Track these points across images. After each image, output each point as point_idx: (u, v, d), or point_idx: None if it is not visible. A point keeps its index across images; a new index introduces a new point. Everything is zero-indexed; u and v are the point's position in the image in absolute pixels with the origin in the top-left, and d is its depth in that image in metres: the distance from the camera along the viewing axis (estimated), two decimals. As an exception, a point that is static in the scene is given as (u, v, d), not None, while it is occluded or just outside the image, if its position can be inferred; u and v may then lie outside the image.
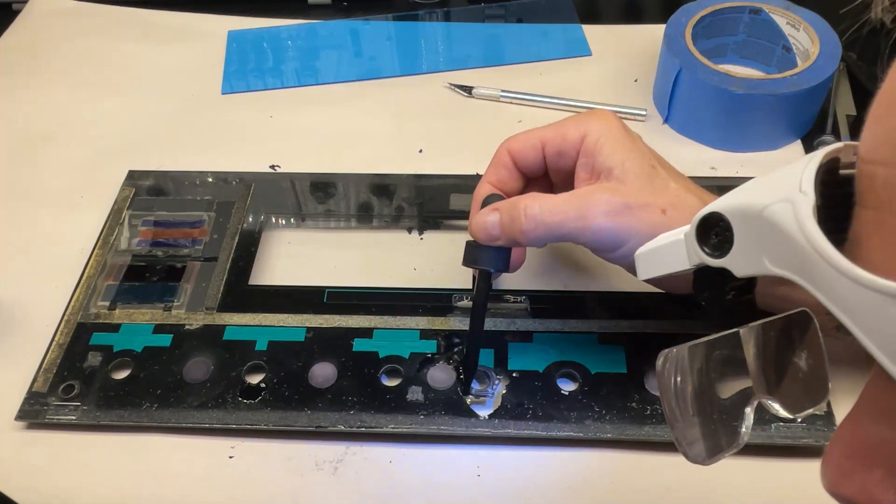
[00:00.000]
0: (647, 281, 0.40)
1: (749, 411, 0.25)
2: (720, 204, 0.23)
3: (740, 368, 0.25)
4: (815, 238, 0.19)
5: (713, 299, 0.24)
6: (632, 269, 0.40)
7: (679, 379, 0.24)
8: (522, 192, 0.42)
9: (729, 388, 0.25)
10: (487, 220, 0.39)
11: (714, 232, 0.23)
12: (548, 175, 0.42)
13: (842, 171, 0.21)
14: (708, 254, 0.23)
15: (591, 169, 0.39)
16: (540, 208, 0.37)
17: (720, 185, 0.51)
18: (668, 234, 0.27)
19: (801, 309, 0.19)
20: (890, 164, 0.17)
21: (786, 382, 0.24)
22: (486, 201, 0.40)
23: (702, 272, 0.25)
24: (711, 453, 0.24)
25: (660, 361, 0.24)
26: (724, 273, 0.23)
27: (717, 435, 0.25)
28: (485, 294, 0.40)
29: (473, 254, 0.40)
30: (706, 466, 0.24)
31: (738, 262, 0.22)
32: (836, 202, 0.20)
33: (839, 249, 0.19)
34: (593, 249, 0.39)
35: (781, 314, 0.23)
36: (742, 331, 0.24)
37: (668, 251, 0.26)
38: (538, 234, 0.38)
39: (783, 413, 0.24)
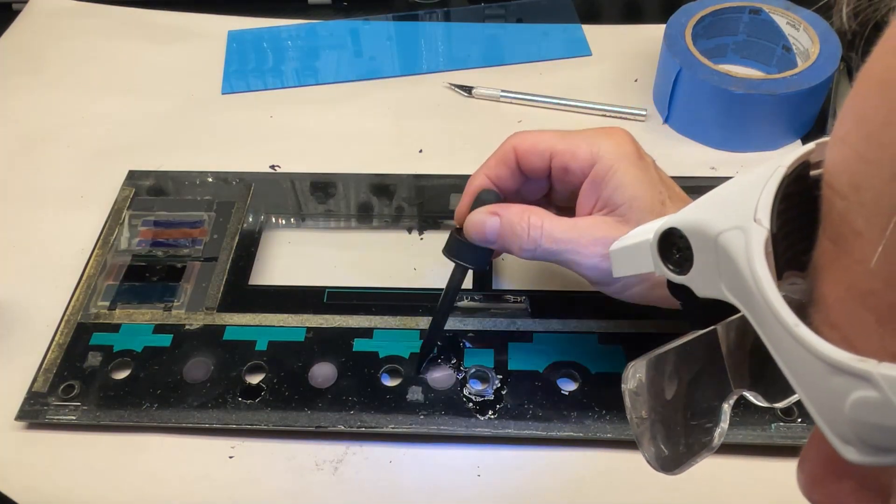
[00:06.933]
0: (637, 301, 0.39)
1: (727, 408, 0.24)
2: (679, 219, 0.21)
3: (716, 367, 0.24)
4: (762, 281, 0.17)
5: (689, 300, 0.22)
6: (626, 300, 0.40)
7: (644, 389, 0.24)
8: (518, 190, 0.41)
9: (703, 390, 0.24)
10: (486, 223, 0.38)
11: (676, 247, 0.22)
12: (549, 178, 0.41)
13: (812, 173, 0.19)
14: (671, 270, 0.22)
15: (597, 199, 0.38)
16: (544, 231, 0.37)
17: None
18: (639, 231, 0.25)
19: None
20: (845, 197, 0.16)
21: (768, 371, 0.23)
22: (481, 198, 0.39)
23: None
24: (681, 461, 0.24)
25: (627, 373, 0.24)
26: None
27: (687, 441, 0.24)
28: (457, 288, 0.40)
29: (457, 247, 0.39)
30: (678, 475, 0.24)
31: (698, 283, 0.21)
32: (803, 212, 0.18)
33: (801, 272, 0.18)
34: (586, 279, 0.39)
35: None
36: (719, 327, 0.24)
37: (639, 252, 0.24)
38: (535, 254, 0.38)
39: (766, 403, 0.24)
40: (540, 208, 0.38)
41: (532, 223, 0.37)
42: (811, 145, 0.19)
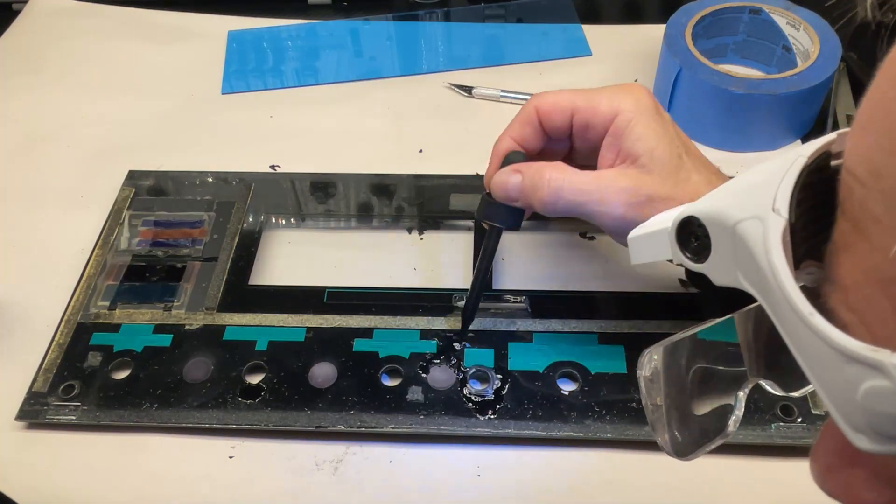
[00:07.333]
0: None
1: (742, 395, 0.24)
2: (698, 207, 0.21)
3: (733, 354, 0.24)
4: (779, 271, 0.17)
5: (706, 286, 0.23)
6: None
7: (659, 376, 0.24)
8: (543, 150, 0.42)
9: (719, 377, 0.24)
10: (509, 181, 0.39)
11: (694, 235, 0.22)
12: (570, 136, 0.41)
13: (833, 163, 0.19)
14: (688, 258, 0.22)
15: (618, 151, 0.38)
16: (564, 183, 0.37)
17: (720, 185, 0.51)
18: (658, 220, 0.25)
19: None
20: (865, 184, 0.16)
21: (784, 360, 0.23)
22: (508, 159, 0.40)
23: None
24: (695, 447, 0.24)
25: (642, 360, 0.24)
26: None
27: (702, 427, 0.24)
28: (493, 248, 0.41)
29: (488, 209, 0.40)
30: (690, 461, 0.24)
31: (715, 271, 0.21)
32: (822, 202, 0.18)
33: (818, 261, 0.18)
34: (608, 232, 0.39)
35: None
36: (736, 316, 0.24)
37: (658, 240, 0.24)
38: (557, 207, 0.38)
39: (780, 392, 0.24)
40: (562, 163, 0.39)
41: (552, 176, 0.38)
42: (833, 135, 0.19)
